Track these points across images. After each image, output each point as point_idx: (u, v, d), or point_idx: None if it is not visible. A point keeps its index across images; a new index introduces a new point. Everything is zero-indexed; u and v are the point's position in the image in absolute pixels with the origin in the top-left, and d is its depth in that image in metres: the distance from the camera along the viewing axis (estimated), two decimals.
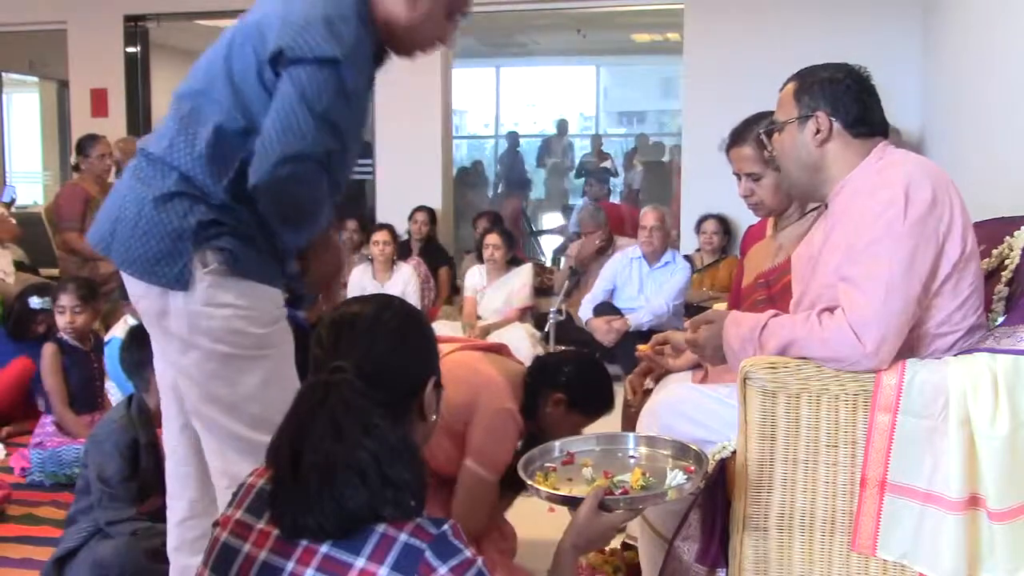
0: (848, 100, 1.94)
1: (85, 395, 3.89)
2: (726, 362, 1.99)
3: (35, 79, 10.47)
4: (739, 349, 1.90)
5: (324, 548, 1.29)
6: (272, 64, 1.75)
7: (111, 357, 3.85)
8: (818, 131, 1.93)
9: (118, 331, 3.98)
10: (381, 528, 1.29)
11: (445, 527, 1.31)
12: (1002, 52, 3.52)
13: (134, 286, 1.86)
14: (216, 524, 1.43)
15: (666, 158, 9.43)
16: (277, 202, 1.75)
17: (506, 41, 11.40)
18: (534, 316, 5.72)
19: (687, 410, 2.11)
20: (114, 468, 2.59)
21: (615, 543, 2.79)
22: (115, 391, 3.99)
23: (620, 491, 1.76)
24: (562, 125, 12.24)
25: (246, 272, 1.82)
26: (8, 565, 2.85)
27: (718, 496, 1.97)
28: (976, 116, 4.09)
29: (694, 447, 1.91)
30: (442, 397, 1.49)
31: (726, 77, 6.13)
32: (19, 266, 5.61)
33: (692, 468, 1.83)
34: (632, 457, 1.98)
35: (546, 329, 4.76)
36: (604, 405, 2.58)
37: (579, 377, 2.56)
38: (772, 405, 1.83)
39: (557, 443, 2.02)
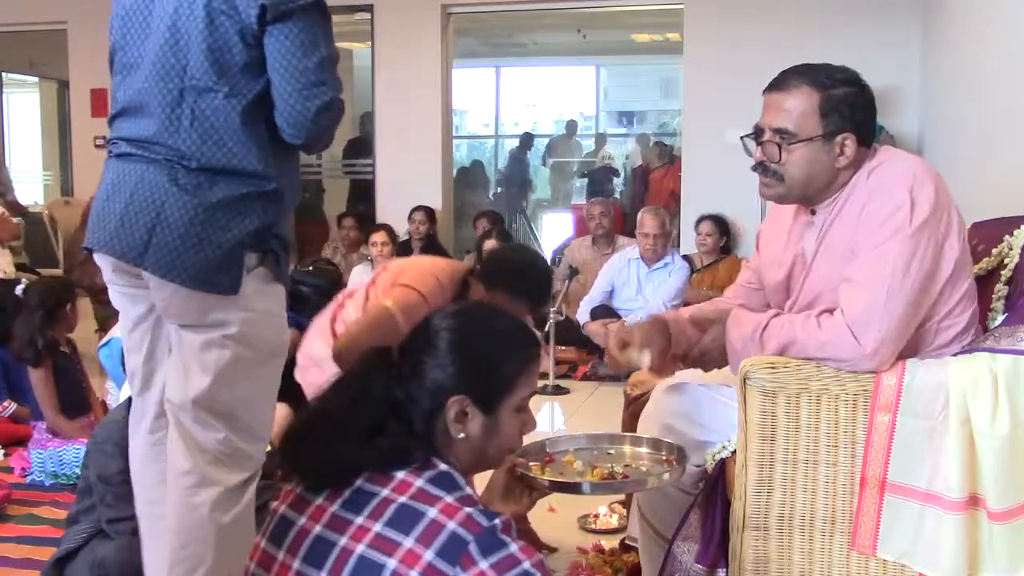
0: (868, 119, 1.91)
1: (73, 399, 3.91)
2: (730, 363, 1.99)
3: (35, 79, 10.48)
4: (741, 349, 1.90)
5: (377, 527, 1.33)
6: (259, 23, 1.74)
7: (111, 357, 3.85)
8: (842, 153, 1.88)
9: (117, 331, 3.98)
10: (433, 513, 1.32)
11: (496, 521, 1.33)
12: (1001, 52, 3.52)
13: (164, 289, 1.83)
14: (276, 498, 1.48)
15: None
16: (318, 144, 1.86)
17: (506, 41, 11.40)
18: (534, 316, 5.71)
19: (688, 410, 2.11)
20: (116, 467, 2.58)
21: (614, 543, 2.79)
22: (115, 391, 3.99)
23: (621, 476, 1.82)
24: (571, 126, 12.14)
25: (281, 276, 1.85)
26: (8, 565, 2.85)
27: (718, 496, 1.97)
28: (975, 116, 4.09)
29: (666, 440, 1.98)
30: None
31: (726, 77, 6.13)
32: (20, 267, 5.61)
33: (672, 460, 1.90)
34: (609, 454, 2.00)
35: (546, 329, 4.76)
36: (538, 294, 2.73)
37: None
38: (772, 405, 1.83)
39: (544, 441, 2.02)
